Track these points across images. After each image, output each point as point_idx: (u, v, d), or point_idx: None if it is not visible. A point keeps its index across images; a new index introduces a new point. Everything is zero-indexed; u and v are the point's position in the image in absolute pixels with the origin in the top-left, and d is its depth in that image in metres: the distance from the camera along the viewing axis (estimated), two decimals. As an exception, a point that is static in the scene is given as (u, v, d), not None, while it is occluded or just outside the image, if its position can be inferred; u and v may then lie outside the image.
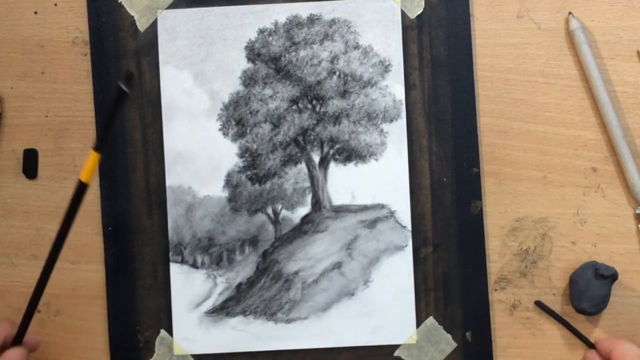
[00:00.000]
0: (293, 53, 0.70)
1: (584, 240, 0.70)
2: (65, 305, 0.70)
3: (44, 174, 0.70)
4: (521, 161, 0.69)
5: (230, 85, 0.70)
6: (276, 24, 0.69)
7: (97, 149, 0.57)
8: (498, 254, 0.70)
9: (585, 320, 0.69)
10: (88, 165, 0.57)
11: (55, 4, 0.69)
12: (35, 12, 0.70)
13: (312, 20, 0.70)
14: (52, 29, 0.69)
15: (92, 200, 0.70)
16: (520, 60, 0.69)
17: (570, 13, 0.69)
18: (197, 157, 0.70)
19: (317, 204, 0.70)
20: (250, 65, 0.70)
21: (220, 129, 0.70)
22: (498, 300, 0.70)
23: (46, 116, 0.70)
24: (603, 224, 0.69)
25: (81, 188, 0.58)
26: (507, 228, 0.70)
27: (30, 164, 0.70)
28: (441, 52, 0.69)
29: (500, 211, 0.70)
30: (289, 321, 0.70)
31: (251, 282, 0.70)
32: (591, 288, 0.66)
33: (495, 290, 0.70)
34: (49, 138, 0.70)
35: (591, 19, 0.69)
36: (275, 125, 0.70)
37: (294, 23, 0.70)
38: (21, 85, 0.70)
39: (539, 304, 0.69)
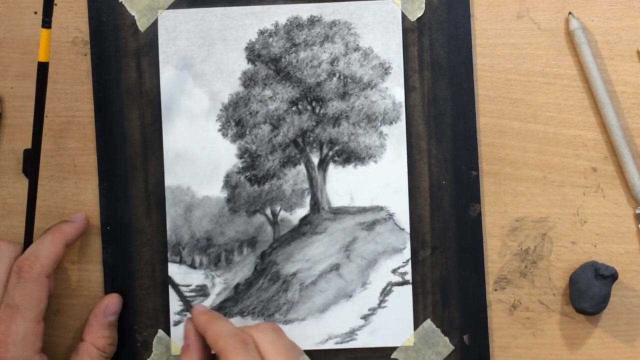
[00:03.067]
0: (293, 54, 0.70)
1: (584, 240, 0.69)
2: (65, 305, 0.70)
3: (44, 174, 0.70)
4: (521, 161, 0.69)
5: (230, 86, 0.70)
6: (276, 25, 0.70)
7: (45, 25, 0.61)
8: (498, 254, 0.69)
9: (585, 320, 0.69)
10: (42, 44, 0.62)
11: (55, 4, 0.69)
12: (35, 12, 0.70)
13: (313, 21, 0.70)
14: (52, 29, 0.69)
15: (90, 200, 0.70)
16: (520, 60, 0.69)
17: (570, 13, 0.69)
18: (197, 157, 0.70)
19: (315, 206, 0.70)
20: (250, 66, 0.70)
21: (219, 130, 0.70)
22: (498, 300, 0.69)
23: (46, 116, 0.70)
24: (603, 224, 0.69)
25: (42, 68, 0.63)
26: (507, 228, 0.69)
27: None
28: (441, 55, 0.69)
29: (500, 211, 0.69)
30: (286, 322, 0.69)
31: (249, 283, 0.70)
32: (591, 288, 0.65)
33: (495, 290, 0.69)
34: (49, 138, 0.70)
35: (591, 19, 0.69)
36: (275, 127, 0.70)
37: (295, 24, 0.70)
38: (21, 85, 0.70)
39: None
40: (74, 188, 0.70)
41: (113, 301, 0.68)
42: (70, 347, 0.70)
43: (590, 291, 0.66)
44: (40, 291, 0.64)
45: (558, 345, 0.69)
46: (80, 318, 0.70)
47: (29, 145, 0.69)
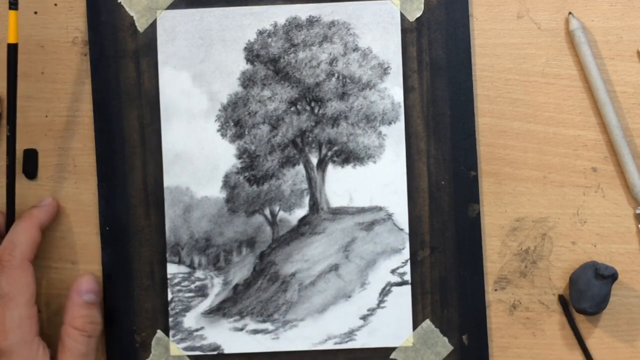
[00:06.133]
0: (292, 55, 0.70)
1: (584, 240, 0.69)
2: (64, 305, 0.70)
3: (44, 174, 0.70)
4: (521, 161, 0.69)
5: (229, 86, 0.70)
6: (275, 25, 0.70)
7: (12, 6, 0.64)
8: (498, 254, 0.69)
9: (585, 320, 0.69)
10: (10, 25, 0.65)
11: (55, 4, 0.70)
12: (35, 12, 0.70)
13: (312, 22, 0.70)
14: (52, 29, 0.70)
15: (90, 200, 0.70)
16: (520, 60, 0.69)
17: (570, 13, 0.69)
18: (195, 157, 0.69)
19: (314, 206, 0.69)
20: (249, 66, 0.70)
21: (218, 130, 0.70)
22: (498, 300, 0.69)
23: (46, 116, 0.70)
24: (603, 224, 0.69)
25: (12, 49, 0.65)
26: (507, 228, 0.69)
27: (30, 164, 0.70)
28: (440, 55, 0.69)
29: (500, 211, 0.69)
30: (285, 323, 0.69)
31: (248, 284, 0.69)
32: (591, 288, 0.65)
33: (495, 290, 0.69)
34: (49, 138, 0.70)
35: (591, 19, 0.69)
36: (274, 127, 0.70)
37: (293, 25, 0.70)
38: (21, 85, 0.70)
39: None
40: (74, 188, 0.70)
41: (85, 279, 0.67)
42: (69, 348, 0.70)
43: (590, 291, 0.65)
44: (26, 276, 0.65)
45: (558, 345, 0.69)
46: (79, 318, 0.70)
47: (29, 145, 0.70)
